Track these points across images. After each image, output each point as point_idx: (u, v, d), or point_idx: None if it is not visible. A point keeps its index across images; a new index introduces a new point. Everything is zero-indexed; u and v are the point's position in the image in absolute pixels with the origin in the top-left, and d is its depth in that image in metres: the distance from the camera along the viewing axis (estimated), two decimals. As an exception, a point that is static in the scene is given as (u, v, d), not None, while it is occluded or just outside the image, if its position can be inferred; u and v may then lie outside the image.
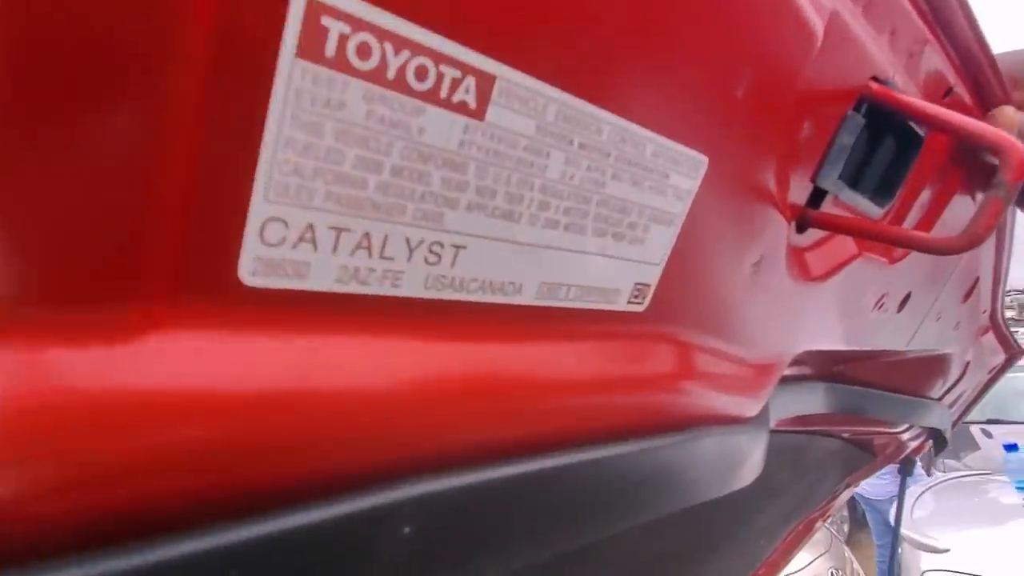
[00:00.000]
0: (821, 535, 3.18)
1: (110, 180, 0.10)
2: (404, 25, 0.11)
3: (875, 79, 0.27)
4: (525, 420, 0.17)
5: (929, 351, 0.57)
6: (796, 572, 2.76)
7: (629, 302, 0.20)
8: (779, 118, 0.22)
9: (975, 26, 0.32)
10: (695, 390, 0.24)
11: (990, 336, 0.70)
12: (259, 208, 0.11)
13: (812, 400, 0.51)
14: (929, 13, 0.30)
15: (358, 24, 0.11)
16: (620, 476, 0.20)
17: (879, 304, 0.38)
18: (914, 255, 0.38)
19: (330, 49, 0.11)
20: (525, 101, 0.14)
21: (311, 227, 0.12)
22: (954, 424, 0.94)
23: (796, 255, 0.29)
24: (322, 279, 0.13)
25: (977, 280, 0.54)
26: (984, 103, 0.36)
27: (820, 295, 0.31)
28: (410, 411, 0.14)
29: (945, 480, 2.64)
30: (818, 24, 0.21)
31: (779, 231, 0.25)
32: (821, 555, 2.93)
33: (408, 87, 0.12)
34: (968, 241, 0.24)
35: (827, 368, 0.54)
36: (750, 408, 0.29)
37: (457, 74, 0.12)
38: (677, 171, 0.19)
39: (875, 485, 3.37)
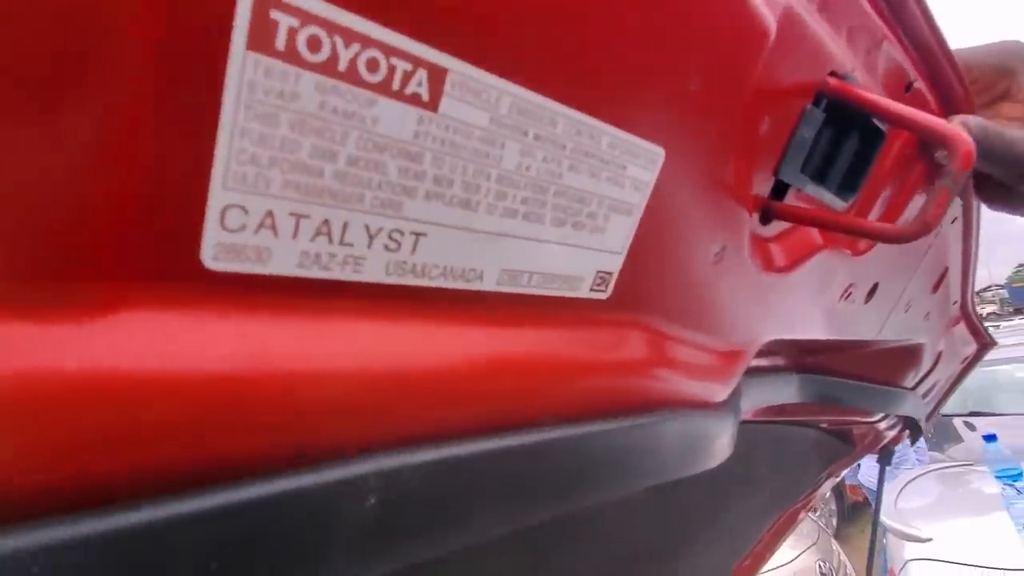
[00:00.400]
0: (809, 528, 3.21)
1: (70, 166, 0.10)
2: (353, 19, 0.12)
3: (833, 74, 0.28)
4: (490, 400, 0.18)
5: (901, 341, 0.59)
6: (784, 564, 2.79)
7: (592, 289, 0.21)
8: (735, 112, 0.22)
9: (933, 24, 0.33)
10: (661, 375, 0.25)
11: (962, 327, 0.72)
12: (218, 195, 0.12)
13: (787, 390, 0.53)
14: (887, 11, 0.31)
15: (307, 17, 0.11)
16: (585, 454, 0.20)
17: (846, 294, 0.39)
18: (879, 246, 0.39)
19: (280, 42, 0.11)
20: (478, 94, 0.15)
21: (271, 214, 0.13)
22: (931, 414, 0.96)
23: (760, 245, 0.30)
24: (284, 264, 0.13)
25: (946, 271, 0.56)
26: (944, 98, 0.38)
27: (786, 285, 0.32)
28: (372, 391, 0.15)
29: (929, 472, 2.68)
30: (770, 20, 0.21)
31: (740, 222, 0.26)
32: (809, 548, 2.97)
33: (360, 79, 0.12)
34: (918, 229, 0.25)
35: (802, 359, 0.56)
36: (718, 393, 0.30)
37: (408, 67, 0.13)
38: (635, 163, 0.20)
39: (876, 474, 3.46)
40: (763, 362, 0.52)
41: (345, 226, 0.14)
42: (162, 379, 0.12)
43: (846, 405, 0.60)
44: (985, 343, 0.79)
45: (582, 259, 0.20)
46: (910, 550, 1.81)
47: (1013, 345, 7.80)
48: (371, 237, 0.14)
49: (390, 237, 0.15)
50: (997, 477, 1.78)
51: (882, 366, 0.62)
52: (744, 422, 0.59)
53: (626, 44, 0.17)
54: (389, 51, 0.13)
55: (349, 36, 0.12)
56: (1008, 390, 5.36)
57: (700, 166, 0.22)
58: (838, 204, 0.32)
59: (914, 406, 0.72)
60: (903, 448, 3.69)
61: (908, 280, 0.48)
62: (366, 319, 0.15)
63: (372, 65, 0.12)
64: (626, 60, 0.17)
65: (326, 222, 0.14)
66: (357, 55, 0.12)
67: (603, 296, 0.22)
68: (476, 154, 0.15)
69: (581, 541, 0.61)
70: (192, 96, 0.11)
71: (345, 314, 0.15)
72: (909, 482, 2.46)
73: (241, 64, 0.11)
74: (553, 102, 0.16)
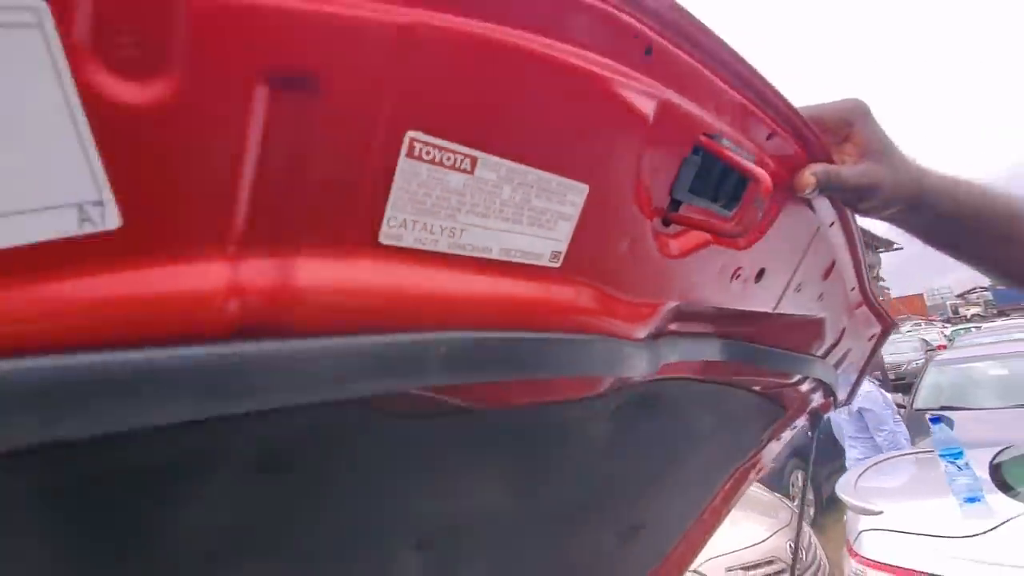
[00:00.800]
0: (783, 513, 3.40)
1: (342, 200, 0.28)
2: (443, 142, 0.29)
3: (705, 134, 0.45)
4: (493, 314, 0.35)
5: (803, 316, 0.76)
6: (759, 543, 2.97)
7: (549, 261, 0.39)
8: (631, 163, 0.40)
9: (780, 95, 0.51)
10: (593, 314, 0.42)
11: (864, 309, 0.90)
12: (389, 212, 0.29)
13: (711, 350, 0.70)
14: (744, 90, 0.49)
15: (425, 143, 0.29)
16: (541, 349, 0.38)
17: (736, 275, 0.57)
18: (761, 243, 0.57)
19: (416, 152, 0.29)
20: (491, 166, 0.32)
21: (404, 220, 0.30)
22: (855, 385, 1.14)
23: (662, 240, 0.47)
24: (408, 241, 0.31)
25: (834, 263, 0.73)
26: (800, 140, 0.55)
27: (683, 266, 0.50)
28: (442, 301, 0.32)
29: (891, 457, 2.88)
30: (647, 109, 0.39)
31: (642, 225, 0.44)
32: (781, 529, 3.16)
33: (443, 164, 0.30)
34: (739, 230, 0.42)
35: (726, 328, 0.73)
36: (636, 332, 0.48)
37: (462, 158, 0.30)
38: (571, 192, 0.37)
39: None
40: (695, 328, 0.69)
41: (432, 226, 0.31)
42: (362, 287, 0.29)
43: (761, 366, 0.78)
44: (888, 324, 0.98)
45: (543, 244, 0.37)
46: (864, 522, 1.99)
47: (989, 344, 8.01)
48: (442, 230, 0.32)
49: (451, 231, 0.32)
50: (941, 456, 1.98)
51: (792, 336, 0.80)
52: (684, 378, 0.76)
53: (563, 137, 0.35)
54: (454, 152, 0.30)
55: (441, 149, 0.29)
56: (983, 387, 5.59)
57: (611, 192, 0.40)
58: (725, 213, 0.50)
59: (824, 371, 0.90)
60: (895, 438, 3.93)
61: (794, 267, 0.66)
62: (438, 270, 0.33)
63: (448, 158, 0.30)
64: (563, 144, 0.35)
65: (425, 224, 0.31)
66: (443, 155, 0.30)
67: (556, 265, 0.39)
68: (490, 193, 0.33)
69: (548, 484, 0.78)
70: (383, 177, 0.28)
71: (429, 266, 0.32)
72: (871, 466, 2.66)
73: (403, 162, 0.28)
74: (525, 166, 0.34)
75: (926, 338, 15.78)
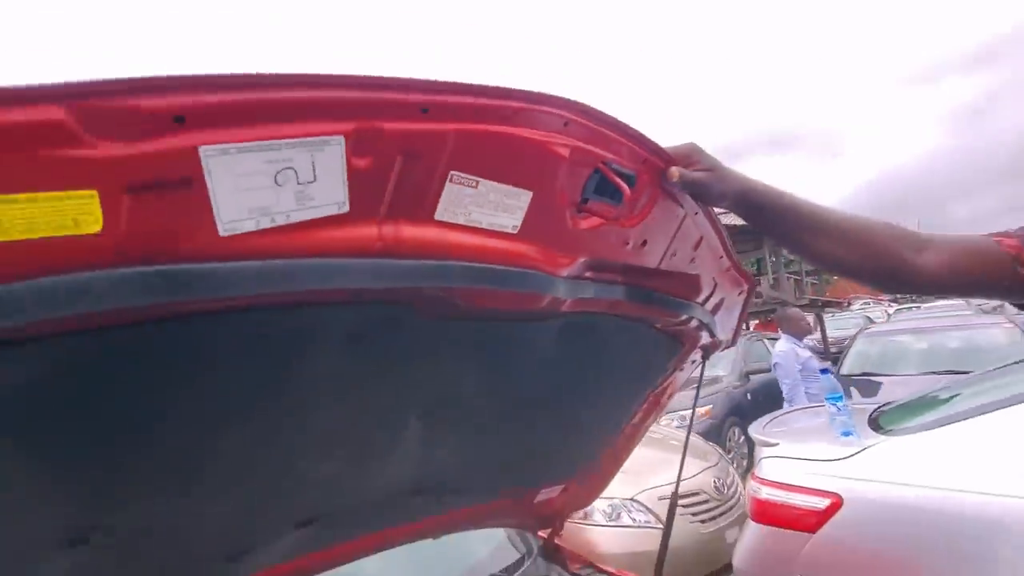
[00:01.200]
0: (712, 456, 3.90)
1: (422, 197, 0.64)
2: (465, 175, 0.65)
3: (602, 162, 0.82)
4: (483, 253, 0.72)
5: (682, 272, 1.15)
6: (689, 478, 3.46)
7: (511, 229, 0.75)
8: (556, 179, 0.76)
9: (647, 138, 0.88)
10: (534, 258, 0.79)
11: (732, 272, 1.29)
12: (440, 206, 0.65)
13: (617, 292, 1.07)
14: (624, 136, 0.85)
15: (459, 176, 0.65)
16: (501, 273, 0.75)
17: (626, 243, 0.94)
18: (642, 224, 0.94)
19: (454, 180, 0.65)
20: (485, 184, 0.68)
21: (445, 208, 0.66)
22: (735, 331, 1.54)
23: (576, 220, 0.84)
24: (447, 219, 0.67)
25: (701, 238, 1.11)
26: (664, 160, 0.92)
27: (590, 235, 0.87)
28: (463, 246, 0.69)
29: (802, 408, 3.39)
30: (565, 153, 0.75)
31: (563, 212, 0.80)
32: (708, 468, 3.66)
33: (463, 184, 0.66)
34: (610, 215, 0.80)
35: (627, 279, 1.10)
36: (560, 272, 0.85)
37: (472, 180, 0.67)
38: (523, 195, 0.74)
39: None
40: (604, 276, 1.07)
41: (457, 211, 0.68)
42: (429, 239, 0.66)
43: (654, 305, 1.16)
44: (751, 283, 1.37)
45: (508, 220, 0.74)
46: (764, 453, 2.47)
47: (919, 320, 8.71)
48: (461, 214, 0.68)
49: (465, 214, 0.69)
50: (827, 399, 2.45)
51: (677, 286, 1.19)
52: (601, 312, 1.13)
53: (520, 168, 0.71)
54: (469, 178, 0.66)
55: (464, 177, 0.66)
56: (904, 356, 6.23)
57: (545, 195, 0.76)
58: (615, 204, 0.87)
59: (703, 314, 1.29)
60: (795, 390, 4.44)
61: (669, 240, 1.04)
62: (459, 232, 0.69)
63: (465, 181, 0.66)
64: (520, 171, 0.71)
65: (454, 211, 0.67)
66: (464, 180, 0.66)
67: (515, 232, 0.76)
68: (483, 196, 0.69)
69: (511, 382, 1.15)
70: (439, 191, 0.64)
71: (455, 230, 0.69)
72: (783, 414, 3.15)
73: (447, 186, 0.65)
74: (502, 184, 0.70)
75: (871, 315, 16.76)
